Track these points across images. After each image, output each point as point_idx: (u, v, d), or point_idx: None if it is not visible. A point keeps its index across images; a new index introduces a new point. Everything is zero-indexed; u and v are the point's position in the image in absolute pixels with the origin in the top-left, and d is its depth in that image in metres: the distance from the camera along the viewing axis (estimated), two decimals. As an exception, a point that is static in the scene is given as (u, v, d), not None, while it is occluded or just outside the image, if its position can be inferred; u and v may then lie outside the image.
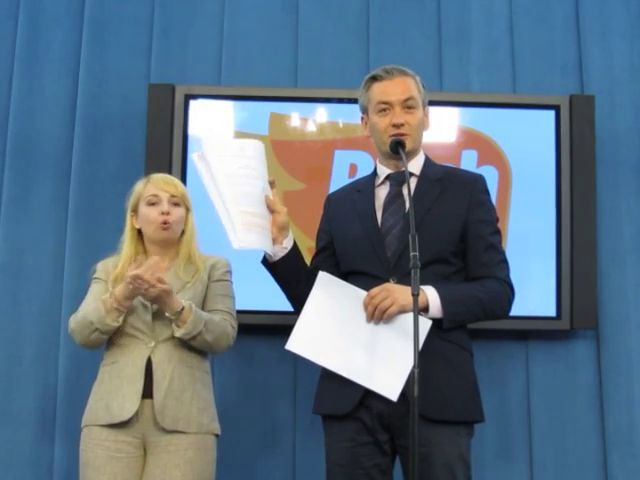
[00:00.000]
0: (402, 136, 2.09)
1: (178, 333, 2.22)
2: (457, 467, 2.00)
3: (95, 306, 2.24)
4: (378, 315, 1.98)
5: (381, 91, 2.13)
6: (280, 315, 2.74)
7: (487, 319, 2.14)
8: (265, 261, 2.16)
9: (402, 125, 2.10)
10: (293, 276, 2.14)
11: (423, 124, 2.17)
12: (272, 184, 2.17)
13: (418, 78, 2.17)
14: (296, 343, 2.03)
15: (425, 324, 1.94)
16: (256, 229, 2.08)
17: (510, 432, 2.97)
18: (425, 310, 1.99)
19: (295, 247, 2.16)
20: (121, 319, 2.22)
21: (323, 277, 2.06)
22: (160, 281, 2.16)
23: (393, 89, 2.12)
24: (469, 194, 2.13)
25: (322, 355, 2.02)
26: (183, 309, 2.20)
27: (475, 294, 2.06)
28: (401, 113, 2.11)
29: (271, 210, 2.13)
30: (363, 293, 2.01)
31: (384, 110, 2.12)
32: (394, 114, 2.11)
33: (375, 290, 1.99)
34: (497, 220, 2.19)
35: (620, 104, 3.14)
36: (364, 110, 2.20)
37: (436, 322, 1.99)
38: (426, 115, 2.19)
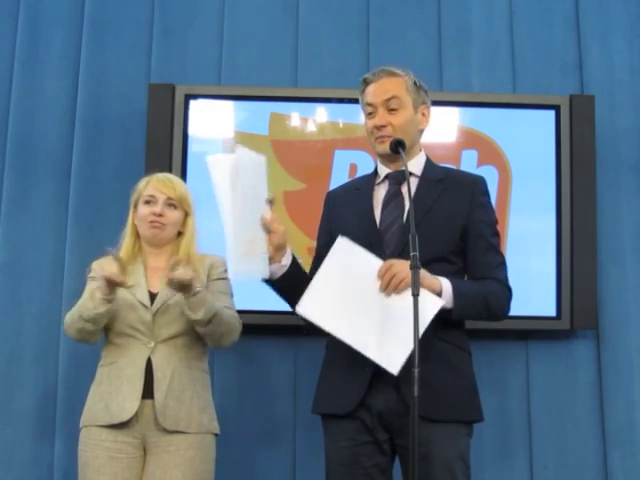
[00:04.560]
0: (383, 138, 2.09)
1: (198, 315, 2.17)
2: (456, 467, 2.00)
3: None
4: (394, 283, 1.93)
5: (368, 93, 2.14)
6: (280, 315, 2.73)
7: (488, 319, 2.14)
8: (266, 279, 2.11)
9: (384, 127, 2.10)
10: (294, 289, 2.07)
11: (414, 123, 2.14)
12: (271, 202, 2.08)
13: (410, 77, 2.14)
14: (306, 306, 2.00)
15: (436, 303, 1.93)
16: (252, 257, 2.03)
17: (510, 432, 2.97)
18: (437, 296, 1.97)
19: (294, 262, 2.11)
20: (103, 309, 2.20)
21: (341, 242, 2.02)
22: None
23: (376, 90, 2.12)
24: (470, 195, 2.13)
25: (329, 320, 1.99)
26: (198, 292, 2.18)
27: (481, 292, 2.06)
28: (383, 114, 2.10)
29: (267, 230, 2.04)
30: (379, 262, 1.99)
31: (370, 113, 2.13)
32: (377, 116, 2.11)
33: (393, 260, 1.97)
34: (496, 222, 2.19)
35: (620, 104, 3.14)
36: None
37: (438, 319, 1.95)
38: (423, 113, 2.16)
